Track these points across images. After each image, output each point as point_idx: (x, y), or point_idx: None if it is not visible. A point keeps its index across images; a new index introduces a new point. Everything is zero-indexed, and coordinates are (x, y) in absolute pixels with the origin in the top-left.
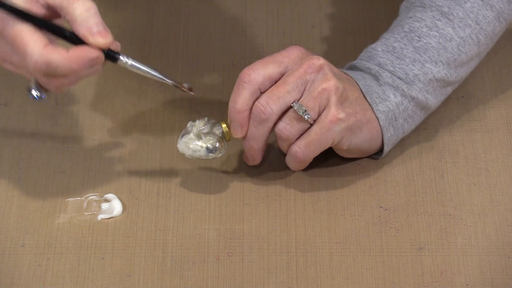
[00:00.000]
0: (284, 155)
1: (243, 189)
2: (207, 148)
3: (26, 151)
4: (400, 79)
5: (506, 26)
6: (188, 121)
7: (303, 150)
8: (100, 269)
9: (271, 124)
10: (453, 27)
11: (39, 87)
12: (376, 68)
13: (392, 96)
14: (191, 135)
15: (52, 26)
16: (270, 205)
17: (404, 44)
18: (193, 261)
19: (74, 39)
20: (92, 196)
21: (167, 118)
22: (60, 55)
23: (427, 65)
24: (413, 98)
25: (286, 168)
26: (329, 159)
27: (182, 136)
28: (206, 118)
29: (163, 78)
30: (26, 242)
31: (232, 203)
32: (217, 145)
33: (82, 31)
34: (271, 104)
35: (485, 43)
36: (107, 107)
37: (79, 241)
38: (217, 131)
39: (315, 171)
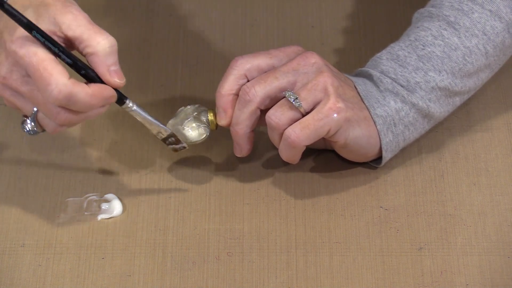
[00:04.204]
0: None
1: (243, 189)
2: (189, 132)
3: (26, 151)
4: (402, 86)
5: None
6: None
7: (297, 133)
8: (100, 269)
9: (254, 106)
10: (459, 37)
11: (36, 123)
12: (378, 74)
13: (392, 102)
14: (178, 119)
15: (73, 59)
16: (270, 205)
17: (408, 52)
18: (193, 261)
19: (88, 75)
20: (92, 196)
21: (167, 118)
22: (82, 89)
23: (430, 73)
24: (414, 105)
25: (286, 168)
26: (329, 159)
27: (171, 119)
28: (197, 105)
29: (161, 129)
30: (26, 242)
31: (232, 203)
32: (198, 130)
33: (101, 67)
34: (256, 86)
35: (495, 54)
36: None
37: (79, 241)
38: (204, 118)
39: (315, 171)
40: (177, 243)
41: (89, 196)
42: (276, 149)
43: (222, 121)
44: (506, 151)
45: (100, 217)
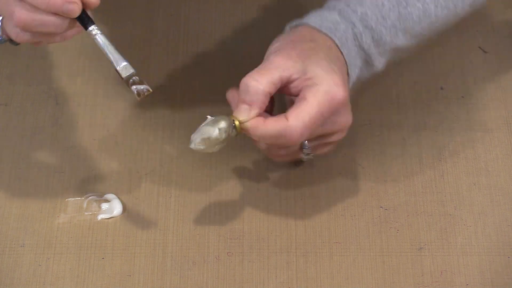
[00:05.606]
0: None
1: (243, 189)
2: (219, 132)
3: (26, 151)
4: (374, 40)
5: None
6: (206, 116)
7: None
8: (100, 269)
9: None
10: (436, 6)
11: (2, 30)
12: (361, 29)
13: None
14: (207, 126)
15: None
16: (270, 205)
17: (393, 6)
18: (193, 261)
19: None
20: (92, 196)
21: (167, 118)
22: None
23: (399, 34)
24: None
25: (287, 168)
26: (329, 159)
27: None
28: (214, 116)
29: (125, 65)
30: (26, 242)
31: (232, 203)
32: (224, 135)
33: None
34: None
35: (448, 23)
36: (107, 107)
37: (79, 241)
38: (224, 125)
39: (315, 171)
40: (177, 243)
41: (89, 196)
42: None
43: (245, 117)
44: (506, 151)
45: (100, 217)
